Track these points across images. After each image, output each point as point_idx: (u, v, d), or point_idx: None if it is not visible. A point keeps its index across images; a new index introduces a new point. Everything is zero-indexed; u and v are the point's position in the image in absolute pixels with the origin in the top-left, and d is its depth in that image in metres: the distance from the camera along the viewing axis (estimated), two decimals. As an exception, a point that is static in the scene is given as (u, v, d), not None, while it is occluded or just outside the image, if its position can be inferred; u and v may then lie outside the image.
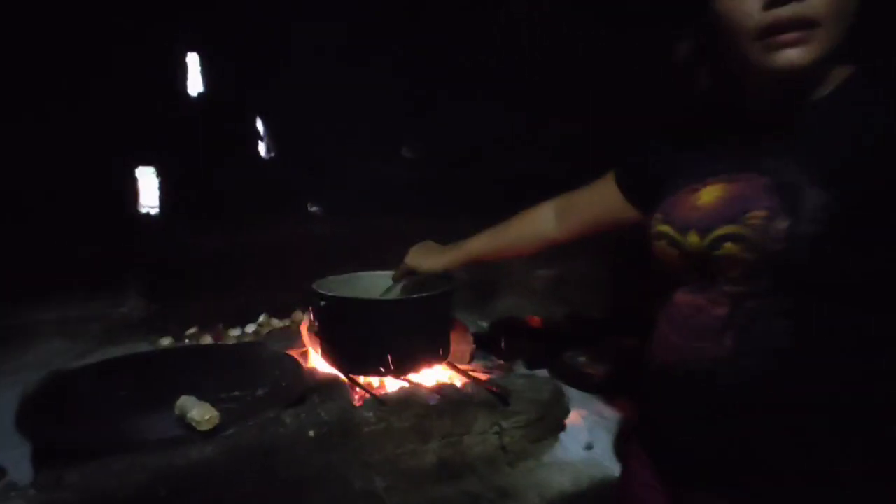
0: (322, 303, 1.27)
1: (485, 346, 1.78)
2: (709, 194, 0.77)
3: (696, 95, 0.86)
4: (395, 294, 1.39)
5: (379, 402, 1.17)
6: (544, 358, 1.80)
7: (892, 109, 0.67)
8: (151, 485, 0.92)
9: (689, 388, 0.78)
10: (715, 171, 0.79)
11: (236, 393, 1.24)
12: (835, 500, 0.72)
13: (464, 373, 1.36)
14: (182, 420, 1.05)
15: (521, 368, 1.76)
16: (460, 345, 1.67)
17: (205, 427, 1.00)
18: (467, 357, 1.66)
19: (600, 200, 1.02)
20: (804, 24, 0.66)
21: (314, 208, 1.91)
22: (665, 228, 0.81)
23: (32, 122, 1.41)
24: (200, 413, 1.01)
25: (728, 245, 0.73)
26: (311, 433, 1.06)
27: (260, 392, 1.24)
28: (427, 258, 1.29)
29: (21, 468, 1.01)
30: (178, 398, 1.08)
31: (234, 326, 1.79)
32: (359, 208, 1.85)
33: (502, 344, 1.84)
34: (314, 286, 1.33)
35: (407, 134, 1.96)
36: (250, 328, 1.79)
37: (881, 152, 0.66)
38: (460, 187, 1.83)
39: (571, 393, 1.52)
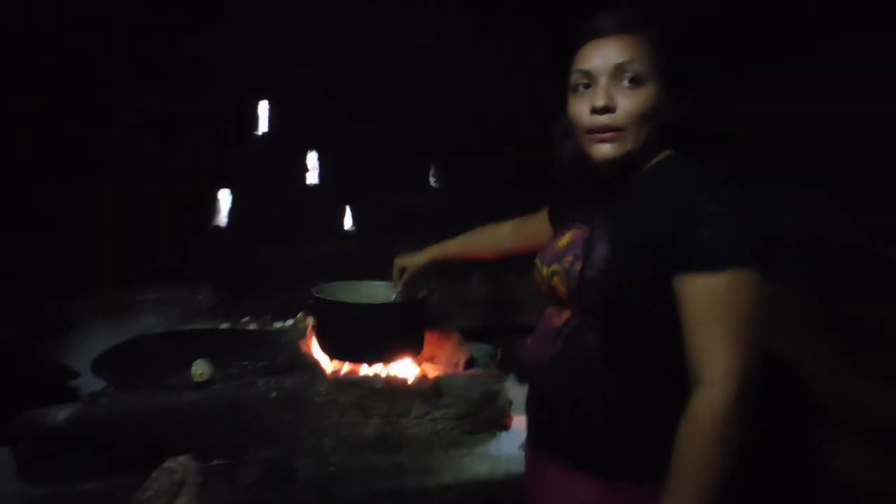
0: (311, 301, 1.63)
1: (489, 356, 2.02)
2: (565, 238, 1.02)
3: (566, 160, 1.07)
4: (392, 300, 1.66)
5: (333, 380, 1.49)
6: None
7: (666, 205, 0.86)
8: (154, 413, 1.33)
9: (536, 376, 1.04)
10: (575, 220, 1.03)
11: (244, 363, 1.63)
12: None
13: (422, 368, 1.62)
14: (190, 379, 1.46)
15: (511, 380, 1.96)
16: (454, 353, 1.93)
17: (198, 380, 1.40)
18: (460, 365, 1.91)
19: (540, 227, 1.24)
20: (613, 129, 0.90)
21: (350, 228, 2.30)
22: (537, 261, 1.07)
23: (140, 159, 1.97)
24: (197, 370, 1.40)
25: (555, 279, 0.98)
26: (274, 395, 1.41)
27: (259, 364, 1.62)
28: (411, 257, 1.53)
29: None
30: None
31: (278, 319, 2.22)
32: (387, 229, 2.20)
33: (498, 356, 2.07)
34: (313, 290, 1.68)
35: (431, 168, 2.31)
36: (289, 321, 2.20)
37: (648, 230, 0.87)
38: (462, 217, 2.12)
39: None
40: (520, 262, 1.37)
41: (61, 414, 1.28)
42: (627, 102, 0.89)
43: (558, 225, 1.11)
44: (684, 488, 0.82)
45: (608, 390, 0.93)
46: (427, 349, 1.81)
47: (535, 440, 1.07)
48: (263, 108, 2.21)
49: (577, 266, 0.94)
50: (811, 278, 1.34)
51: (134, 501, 1.20)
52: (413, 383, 1.53)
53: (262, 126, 2.19)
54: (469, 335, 2.01)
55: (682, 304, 0.84)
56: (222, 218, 2.21)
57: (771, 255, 0.85)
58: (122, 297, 2.15)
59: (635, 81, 0.89)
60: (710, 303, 0.82)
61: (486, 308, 2.48)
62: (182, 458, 1.29)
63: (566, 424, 0.98)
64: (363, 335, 1.58)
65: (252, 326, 2.11)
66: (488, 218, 1.44)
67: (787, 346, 1.43)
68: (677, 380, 0.85)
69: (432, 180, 2.36)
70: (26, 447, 1.26)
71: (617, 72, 0.89)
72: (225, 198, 2.21)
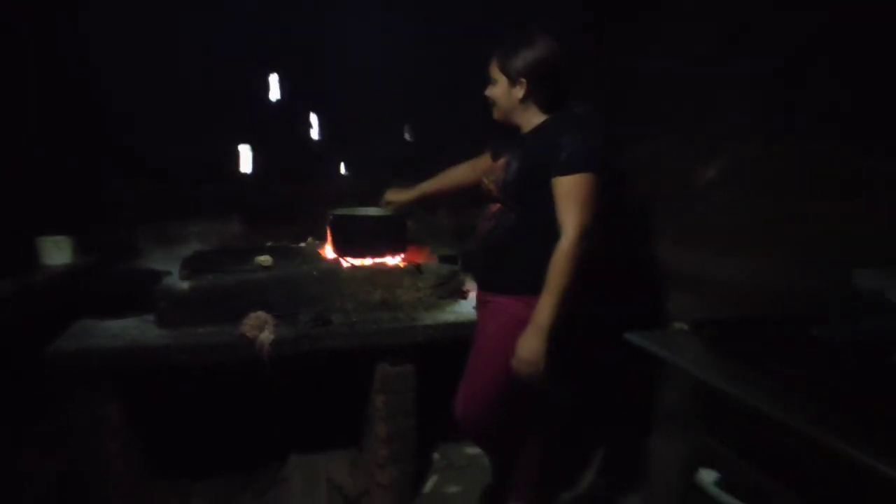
0: (330, 217, 2.38)
1: (449, 262, 2.80)
2: (500, 163, 1.82)
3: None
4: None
5: (350, 265, 2.26)
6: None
7: (547, 143, 1.68)
8: (233, 288, 2.07)
9: (480, 243, 1.85)
10: (504, 153, 1.83)
11: (283, 262, 2.38)
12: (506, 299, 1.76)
13: (406, 259, 2.40)
14: (257, 265, 2.20)
15: (469, 276, 2.76)
16: (427, 261, 2.71)
17: (263, 264, 2.15)
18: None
19: (486, 164, 1.98)
20: (492, 104, 1.73)
21: (345, 172, 3.03)
22: (483, 178, 1.88)
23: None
24: (261, 257, 2.15)
25: (492, 185, 1.80)
26: (315, 273, 2.17)
27: (297, 262, 2.37)
28: (397, 194, 2.28)
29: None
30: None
31: (294, 243, 2.95)
32: (373, 173, 2.93)
33: (459, 262, 2.87)
34: (329, 211, 2.42)
35: (405, 126, 3.05)
36: (302, 244, 2.93)
37: (536, 156, 1.69)
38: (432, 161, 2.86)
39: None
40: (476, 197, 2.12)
41: (184, 285, 2.01)
42: (491, 93, 1.74)
43: (497, 157, 1.90)
44: (550, 292, 1.63)
45: (520, 244, 1.75)
46: (408, 256, 2.58)
47: (479, 284, 1.90)
48: (274, 79, 2.88)
49: (502, 176, 1.76)
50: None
51: (237, 332, 1.95)
52: (402, 265, 2.31)
53: (274, 93, 2.87)
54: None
55: (554, 192, 1.65)
56: (246, 166, 2.90)
57: (602, 165, 1.65)
58: (172, 228, 2.85)
59: (493, 82, 1.73)
60: (565, 191, 1.63)
61: (451, 235, 3.27)
62: (260, 312, 2.04)
63: (497, 269, 1.81)
64: (366, 237, 2.34)
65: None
66: (450, 160, 2.17)
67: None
68: (554, 236, 1.65)
69: (407, 135, 3.09)
70: (165, 305, 1.99)
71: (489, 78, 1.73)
72: (246, 151, 2.90)
